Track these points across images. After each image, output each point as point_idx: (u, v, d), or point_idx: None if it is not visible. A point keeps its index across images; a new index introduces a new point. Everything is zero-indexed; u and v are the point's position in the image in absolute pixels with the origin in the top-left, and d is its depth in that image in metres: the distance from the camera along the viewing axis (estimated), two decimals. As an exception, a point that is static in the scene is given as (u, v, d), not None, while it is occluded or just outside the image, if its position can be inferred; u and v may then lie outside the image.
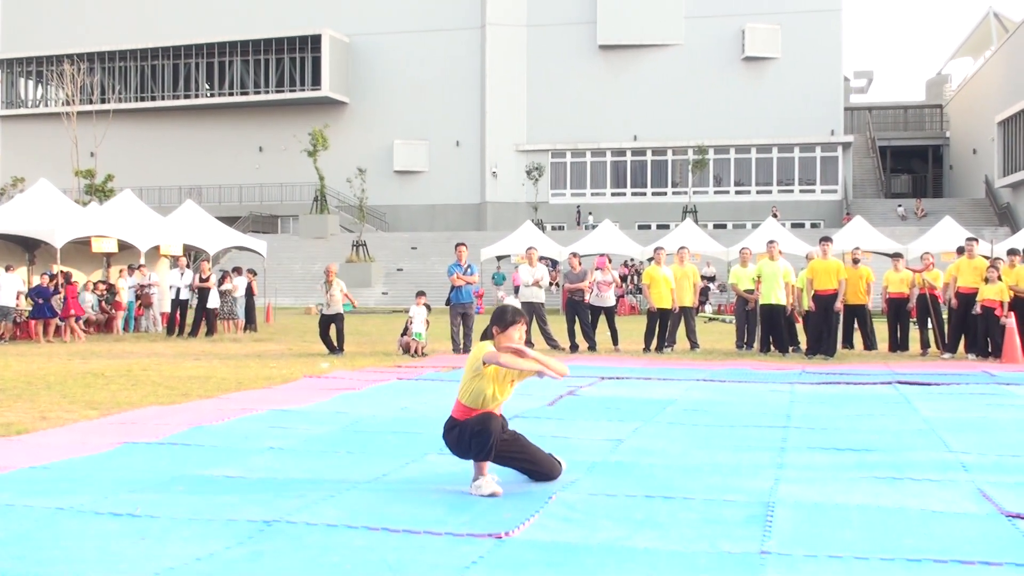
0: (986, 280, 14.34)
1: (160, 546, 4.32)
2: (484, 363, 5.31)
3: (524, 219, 43.29)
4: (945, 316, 15.52)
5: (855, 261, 16.27)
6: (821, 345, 14.62)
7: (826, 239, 15.24)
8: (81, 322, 19.66)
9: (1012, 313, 14.02)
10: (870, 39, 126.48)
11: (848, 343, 16.12)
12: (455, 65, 52.13)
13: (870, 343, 16.10)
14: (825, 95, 49.21)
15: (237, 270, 22.26)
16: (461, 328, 15.45)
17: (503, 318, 5.48)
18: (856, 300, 15.90)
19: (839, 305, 14.72)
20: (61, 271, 19.25)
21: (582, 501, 5.19)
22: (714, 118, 49.47)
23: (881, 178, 54.33)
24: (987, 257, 16.40)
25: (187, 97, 55.16)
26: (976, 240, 15.58)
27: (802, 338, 15.57)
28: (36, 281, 19.78)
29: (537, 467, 5.57)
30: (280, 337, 20.16)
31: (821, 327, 14.65)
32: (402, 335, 15.37)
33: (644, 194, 51.11)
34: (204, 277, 20.10)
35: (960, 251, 15.72)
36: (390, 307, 35.93)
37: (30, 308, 18.85)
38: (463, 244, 16.08)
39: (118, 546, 4.31)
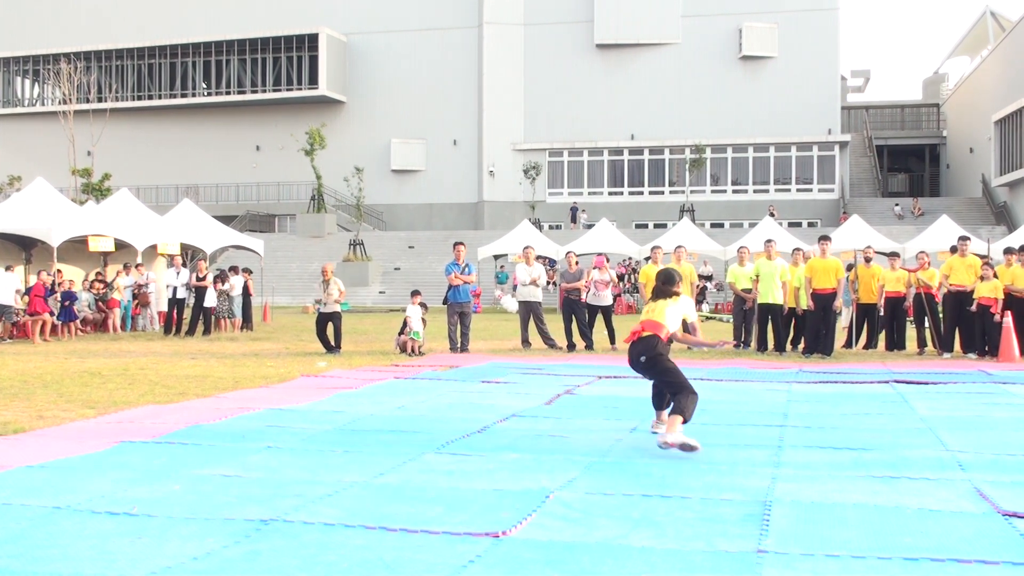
0: (981, 278, 14.36)
1: (157, 545, 4.31)
2: (688, 322, 7.05)
3: (521, 218, 43.28)
4: (941, 315, 15.56)
5: (867, 260, 16.33)
6: (819, 344, 14.63)
7: (825, 238, 15.28)
8: (78, 321, 19.65)
9: (1009, 312, 14.03)
10: (867, 38, 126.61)
11: (872, 342, 16.22)
12: (452, 64, 52.11)
13: (872, 342, 16.18)
14: (822, 94, 49.23)
15: (234, 269, 22.25)
16: (459, 327, 15.45)
17: (674, 279, 7.04)
18: (869, 299, 16.01)
19: (838, 304, 14.76)
20: (42, 271, 19.13)
21: (579, 500, 5.19)
22: (711, 117, 49.47)
23: (878, 177, 54.35)
24: (982, 256, 16.44)
25: (184, 96, 55.08)
26: (968, 239, 15.61)
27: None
28: (33, 280, 19.73)
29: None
30: (277, 336, 20.14)
31: (819, 326, 14.66)
32: (399, 334, 15.37)
33: (641, 193, 51.11)
34: (201, 276, 20.08)
35: (953, 250, 15.73)
36: (387, 306, 35.93)
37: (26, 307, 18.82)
38: (461, 243, 16.08)
39: (115, 545, 4.31)
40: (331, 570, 3.95)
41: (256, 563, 4.05)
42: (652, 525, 4.67)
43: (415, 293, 15.68)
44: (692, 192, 48.70)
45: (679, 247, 16.88)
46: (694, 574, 3.93)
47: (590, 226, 41.31)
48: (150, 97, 55.76)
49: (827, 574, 3.92)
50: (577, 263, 16.65)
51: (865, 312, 16.37)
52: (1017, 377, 11.37)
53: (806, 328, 15.06)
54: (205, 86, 55.08)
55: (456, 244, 16.04)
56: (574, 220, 47.55)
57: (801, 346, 15.25)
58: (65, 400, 9.34)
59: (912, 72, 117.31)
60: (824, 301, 14.56)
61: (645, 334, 6.86)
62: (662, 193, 50.80)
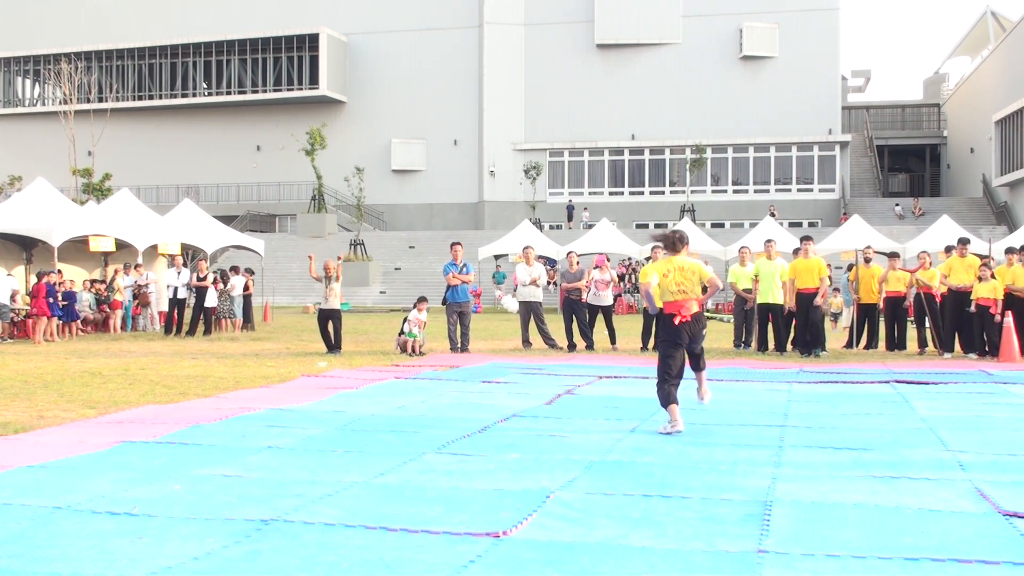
0: (979, 278, 14.34)
1: (157, 545, 4.31)
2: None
3: (522, 218, 43.30)
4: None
5: (867, 260, 16.33)
6: (808, 343, 14.64)
7: (807, 238, 15.27)
8: (78, 321, 19.65)
9: (1010, 312, 14.02)
10: (868, 38, 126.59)
11: (872, 342, 16.20)
12: (453, 64, 52.11)
13: (872, 342, 16.18)
14: (823, 94, 49.22)
15: (235, 269, 22.25)
16: (458, 327, 15.45)
17: (678, 243, 7.72)
18: (869, 299, 16.02)
19: (819, 301, 14.71)
20: (43, 272, 19.09)
21: (580, 500, 5.19)
22: (712, 117, 49.47)
23: (879, 177, 54.34)
24: (982, 257, 16.44)
25: (185, 96, 55.08)
26: (968, 241, 15.59)
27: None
28: (33, 280, 19.71)
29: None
30: (277, 336, 20.14)
31: (804, 326, 14.68)
32: (400, 334, 15.35)
33: (642, 193, 51.11)
34: (202, 276, 20.08)
35: (948, 250, 15.71)
36: (388, 306, 35.92)
37: (27, 307, 18.82)
38: (458, 243, 16.07)
39: (115, 545, 4.31)
40: (331, 570, 3.95)
41: (256, 563, 4.05)
42: (652, 525, 4.67)
43: (422, 299, 15.49)
44: (693, 192, 48.70)
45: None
46: (694, 574, 3.93)
47: (591, 226, 41.31)
48: (151, 97, 55.76)
49: (827, 574, 3.92)
50: (578, 263, 16.65)
51: (866, 312, 16.37)
52: (1018, 377, 11.37)
53: (796, 329, 15.09)
54: (206, 86, 55.08)
55: (453, 244, 16.04)
56: (570, 218, 47.60)
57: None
58: (66, 400, 9.34)
59: (912, 72, 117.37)
60: (807, 301, 14.55)
61: (694, 311, 7.44)
62: (663, 193, 50.80)
